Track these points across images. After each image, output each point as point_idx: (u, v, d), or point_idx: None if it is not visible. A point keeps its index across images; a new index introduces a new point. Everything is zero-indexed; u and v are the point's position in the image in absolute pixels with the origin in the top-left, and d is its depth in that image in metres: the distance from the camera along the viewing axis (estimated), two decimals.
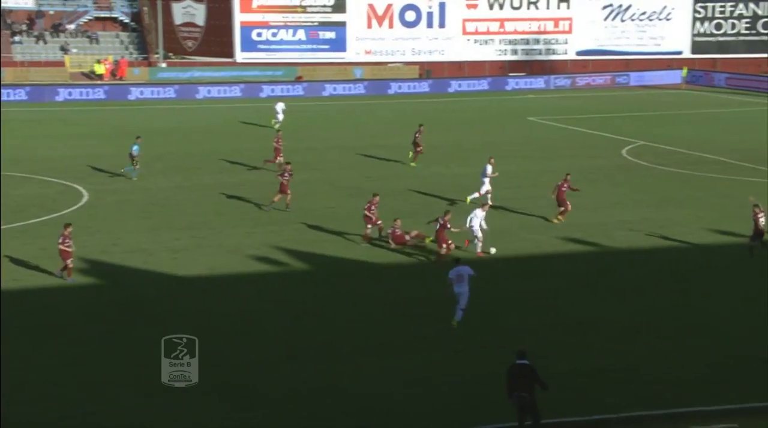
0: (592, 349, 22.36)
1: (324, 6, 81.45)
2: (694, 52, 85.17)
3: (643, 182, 40.19)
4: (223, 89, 71.09)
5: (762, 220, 30.09)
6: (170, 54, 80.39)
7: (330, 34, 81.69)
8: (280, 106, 55.85)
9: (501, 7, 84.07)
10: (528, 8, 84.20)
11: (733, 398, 19.92)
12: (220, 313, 24.62)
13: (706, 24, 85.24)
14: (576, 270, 28.38)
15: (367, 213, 30.82)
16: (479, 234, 29.59)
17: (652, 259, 29.70)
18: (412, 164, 43.42)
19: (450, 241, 29.04)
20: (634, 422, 19.09)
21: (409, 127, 55.58)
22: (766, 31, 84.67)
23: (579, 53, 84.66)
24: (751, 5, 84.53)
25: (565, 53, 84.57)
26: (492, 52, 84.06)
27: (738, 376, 21.10)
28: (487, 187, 35.78)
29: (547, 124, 58.28)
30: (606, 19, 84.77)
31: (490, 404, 19.38)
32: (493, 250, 29.68)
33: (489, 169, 36.03)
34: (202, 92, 70.45)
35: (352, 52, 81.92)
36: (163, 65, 78.35)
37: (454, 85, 76.21)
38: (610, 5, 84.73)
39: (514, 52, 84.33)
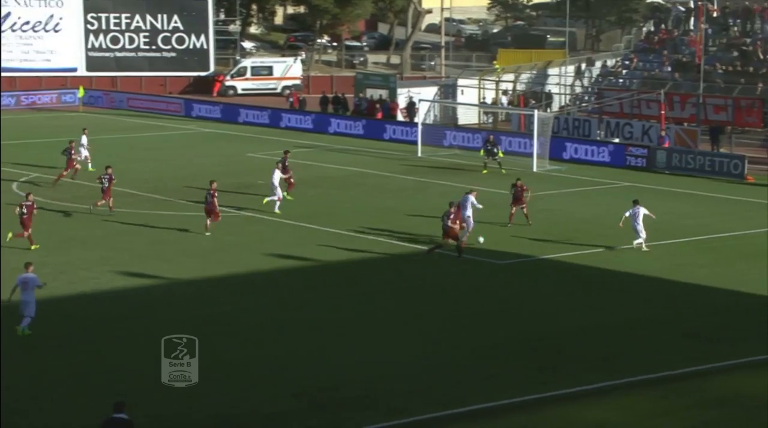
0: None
1: None
2: (90, 69, 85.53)
3: (41, 220, 39.23)
4: None
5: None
6: None
7: None
8: (84, 140, 51.64)
9: None
10: None
11: None
12: None
13: (101, 37, 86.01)
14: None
15: (215, 200, 38.15)
16: (471, 223, 36.32)
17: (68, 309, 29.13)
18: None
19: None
20: None
21: None
22: (167, 47, 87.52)
23: None
24: (149, 18, 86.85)
25: None
26: None
27: None
28: (277, 190, 42.45)
29: None
30: None
31: None
32: (481, 240, 36.44)
33: (276, 173, 42.79)
34: None
35: None
36: None
37: None
38: None
39: None
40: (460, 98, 71.84)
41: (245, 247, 37.06)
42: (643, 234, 36.68)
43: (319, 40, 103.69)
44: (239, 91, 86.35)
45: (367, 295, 31.76)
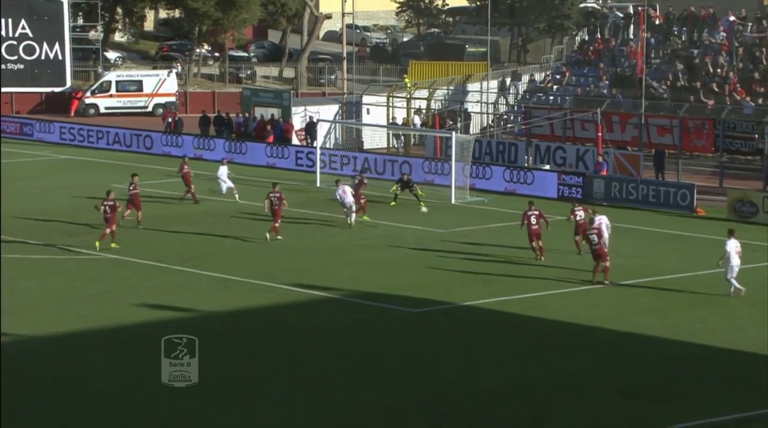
0: None
1: None
2: None
3: None
4: None
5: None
6: None
7: None
8: (224, 172, 54.60)
9: None
10: None
11: None
12: None
13: None
14: None
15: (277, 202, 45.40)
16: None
17: None
18: None
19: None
20: None
21: None
22: (13, 57, 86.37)
23: None
24: None
25: None
26: None
27: None
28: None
29: None
30: None
31: None
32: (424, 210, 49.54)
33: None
34: None
35: None
36: None
37: None
38: None
39: None
40: (365, 118, 72.12)
41: (111, 296, 36.77)
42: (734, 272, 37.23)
43: (198, 50, 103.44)
44: (102, 110, 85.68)
45: (254, 350, 31.70)
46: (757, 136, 60.17)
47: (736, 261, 37.13)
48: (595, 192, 54.69)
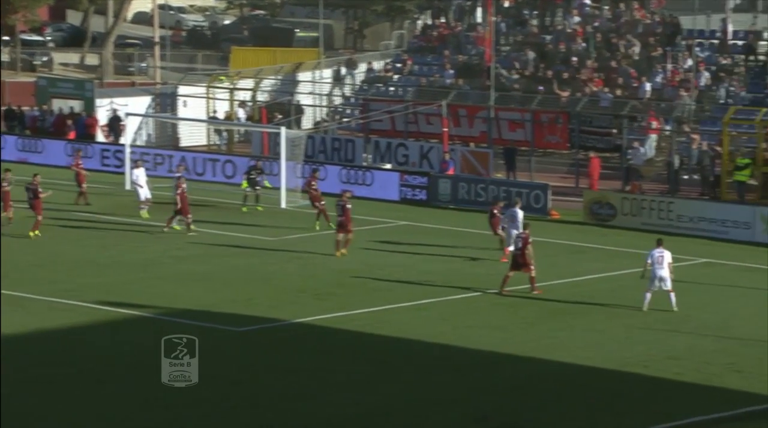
0: None
1: None
2: None
3: None
4: None
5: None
6: None
7: None
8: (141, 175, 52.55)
9: None
10: None
11: None
12: None
13: None
14: None
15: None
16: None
17: None
18: None
19: None
20: None
21: None
22: None
23: None
24: None
25: None
26: None
27: None
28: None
29: None
30: None
31: None
32: None
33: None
34: None
35: None
36: None
37: None
38: None
39: None
40: (182, 112, 71.70)
41: None
42: (669, 284, 37.35)
43: None
44: None
45: (49, 379, 31.08)
46: (615, 130, 61.07)
47: (662, 271, 37.36)
48: (441, 193, 55.11)
